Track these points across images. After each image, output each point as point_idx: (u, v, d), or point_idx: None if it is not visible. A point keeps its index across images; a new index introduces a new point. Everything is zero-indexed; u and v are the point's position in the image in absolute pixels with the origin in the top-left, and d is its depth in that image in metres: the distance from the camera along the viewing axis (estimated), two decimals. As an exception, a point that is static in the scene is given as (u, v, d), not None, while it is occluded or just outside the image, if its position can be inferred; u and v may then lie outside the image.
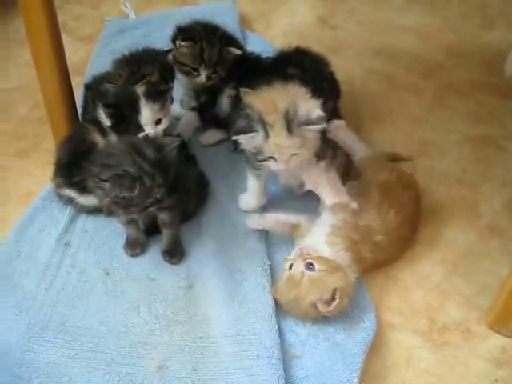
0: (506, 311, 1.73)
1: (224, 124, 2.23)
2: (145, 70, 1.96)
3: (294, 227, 1.90)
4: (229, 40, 2.17)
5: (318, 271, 1.69)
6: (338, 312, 1.69)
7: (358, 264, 1.77)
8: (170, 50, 2.11)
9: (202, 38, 2.14)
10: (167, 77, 2.01)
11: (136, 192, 1.62)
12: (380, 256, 1.84)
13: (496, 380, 1.66)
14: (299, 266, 1.71)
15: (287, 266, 1.75)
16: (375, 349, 1.70)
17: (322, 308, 1.65)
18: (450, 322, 1.79)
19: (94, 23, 2.97)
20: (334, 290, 1.65)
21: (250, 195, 2.01)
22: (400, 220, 1.87)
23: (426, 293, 1.86)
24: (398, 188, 1.93)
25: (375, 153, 2.12)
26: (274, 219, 1.93)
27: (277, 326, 1.69)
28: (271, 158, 1.78)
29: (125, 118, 1.89)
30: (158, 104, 1.91)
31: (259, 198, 2.01)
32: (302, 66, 2.14)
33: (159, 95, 1.92)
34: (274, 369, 1.58)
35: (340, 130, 2.06)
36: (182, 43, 2.14)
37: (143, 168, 1.63)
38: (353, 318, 1.73)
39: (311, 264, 1.70)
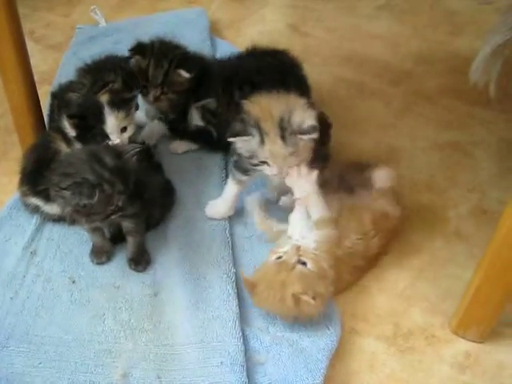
0: (470, 316, 1.74)
1: (193, 136, 2.24)
2: (107, 78, 1.96)
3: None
4: (181, 62, 2.11)
5: (309, 270, 1.70)
6: (307, 316, 1.69)
7: (335, 283, 1.77)
8: (130, 57, 2.12)
9: (152, 56, 2.11)
10: (131, 84, 2.02)
11: (95, 199, 1.61)
12: (354, 279, 1.87)
13: (460, 385, 1.68)
14: (292, 258, 1.71)
15: (274, 257, 1.75)
16: (339, 355, 1.70)
17: (307, 300, 1.64)
18: (415, 328, 1.80)
19: (65, 31, 2.97)
20: (316, 294, 1.65)
21: (222, 202, 2.01)
22: (381, 247, 1.90)
23: (390, 298, 1.87)
24: (389, 220, 1.95)
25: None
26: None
27: (241, 333, 1.69)
28: (264, 162, 1.80)
29: (89, 127, 1.88)
30: (122, 112, 1.91)
31: (230, 207, 2.01)
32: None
33: (123, 103, 1.91)
34: (237, 376, 1.58)
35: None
36: (132, 56, 2.13)
37: (102, 175, 1.63)
38: (317, 325, 1.73)
39: (304, 262, 1.71)
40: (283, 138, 1.74)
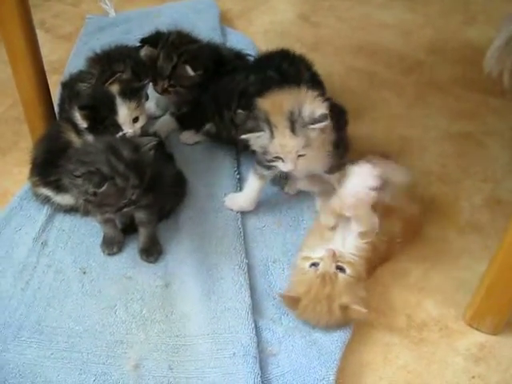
0: (484, 307, 1.72)
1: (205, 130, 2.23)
2: (116, 68, 1.96)
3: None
4: (190, 58, 2.10)
5: (349, 276, 1.69)
6: (353, 319, 1.69)
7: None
8: (141, 46, 2.11)
9: (163, 48, 2.11)
10: (140, 74, 2.01)
11: (103, 189, 1.61)
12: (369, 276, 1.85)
13: (473, 377, 1.66)
14: (331, 266, 1.69)
15: (307, 264, 1.73)
16: (352, 346, 1.69)
17: (357, 309, 1.63)
18: (428, 319, 1.78)
19: (75, 21, 2.96)
20: (360, 299, 1.66)
21: (244, 196, 2.01)
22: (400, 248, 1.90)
23: (404, 290, 1.85)
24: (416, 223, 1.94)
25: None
26: None
27: (253, 324, 1.68)
28: (279, 158, 1.79)
29: (101, 118, 1.87)
30: (133, 102, 1.90)
31: (251, 202, 2.01)
32: (280, 70, 2.14)
33: (134, 93, 1.90)
34: (250, 367, 1.57)
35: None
36: (142, 46, 2.13)
37: (117, 168, 1.62)
38: (330, 316, 1.72)
39: (342, 268, 1.69)
40: (293, 130, 1.73)
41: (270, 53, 2.27)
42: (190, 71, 2.09)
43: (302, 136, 1.74)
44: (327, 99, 1.84)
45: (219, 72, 2.17)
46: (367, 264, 1.76)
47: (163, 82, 2.13)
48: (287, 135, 1.74)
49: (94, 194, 1.64)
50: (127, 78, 1.96)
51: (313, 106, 1.76)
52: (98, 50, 2.09)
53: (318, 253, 1.74)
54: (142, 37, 2.15)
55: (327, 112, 1.75)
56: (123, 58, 2.01)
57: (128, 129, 1.90)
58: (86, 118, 1.87)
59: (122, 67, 1.98)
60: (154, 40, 2.12)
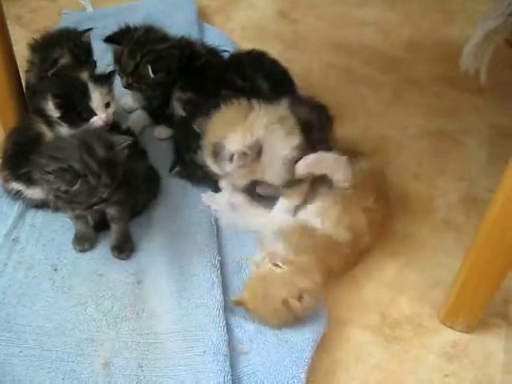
0: (458, 306, 1.72)
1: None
2: (54, 55, 1.96)
3: None
4: (155, 59, 2.08)
5: (286, 271, 1.68)
6: (307, 313, 1.67)
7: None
8: (88, 30, 2.10)
9: (127, 45, 2.10)
10: (80, 55, 2.01)
11: (75, 187, 1.59)
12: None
13: (446, 375, 1.65)
14: (266, 265, 1.70)
15: (254, 268, 1.75)
16: (324, 344, 1.68)
17: (294, 304, 1.62)
18: (402, 317, 1.78)
19: (51, 16, 2.92)
20: (303, 292, 1.63)
21: (222, 195, 2.00)
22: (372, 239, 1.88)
23: (377, 287, 1.84)
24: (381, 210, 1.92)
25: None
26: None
27: (225, 322, 1.66)
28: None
29: (74, 106, 1.87)
30: (105, 87, 1.92)
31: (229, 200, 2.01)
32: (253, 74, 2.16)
33: (105, 78, 1.93)
34: (220, 365, 1.55)
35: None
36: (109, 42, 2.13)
37: (90, 166, 1.60)
38: (302, 314, 1.70)
39: (277, 264, 1.69)
40: (214, 160, 1.82)
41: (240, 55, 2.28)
42: (150, 72, 2.08)
43: (223, 166, 1.82)
44: (309, 100, 1.86)
45: (190, 67, 2.16)
46: (331, 258, 1.77)
47: (127, 78, 2.12)
48: (213, 165, 1.85)
49: (66, 191, 1.62)
50: (67, 62, 1.96)
51: (235, 140, 1.79)
52: (37, 36, 2.09)
53: (258, 257, 1.76)
54: (108, 34, 2.14)
55: (244, 150, 1.78)
56: (61, 41, 2.01)
57: (101, 113, 1.90)
58: (58, 106, 1.87)
59: (59, 53, 1.97)
60: (119, 37, 2.11)
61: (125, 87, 2.15)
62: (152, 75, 2.08)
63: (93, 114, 1.89)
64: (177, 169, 2.05)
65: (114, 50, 2.13)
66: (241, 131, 1.79)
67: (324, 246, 1.77)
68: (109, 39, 2.12)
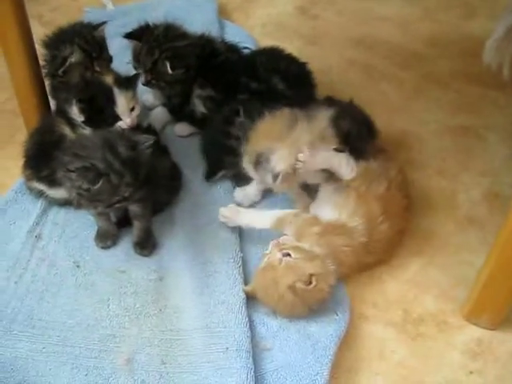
0: (482, 302, 1.70)
1: (198, 121, 2.22)
2: (64, 52, 1.94)
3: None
4: (173, 56, 2.09)
5: (295, 258, 1.68)
6: (317, 300, 1.67)
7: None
8: (101, 24, 2.08)
9: (146, 42, 2.10)
10: (91, 51, 1.99)
11: (97, 186, 1.60)
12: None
13: (471, 372, 1.64)
14: (276, 255, 1.70)
15: (265, 260, 1.74)
16: (347, 341, 1.67)
17: (301, 286, 1.62)
18: (426, 314, 1.76)
19: (72, 14, 2.91)
20: (310, 276, 1.62)
21: (252, 187, 2.01)
22: (392, 232, 1.84)
23: (401, 284, 1.83)
24: (397, 199, 1.89)
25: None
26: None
27: (247, 318, 1.66)
28: None
29: (98, 111, 1.86)
30: (130, 91, 1.91)
31: (260, 192, 2.02)
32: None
33: (130, 82, 1.92)
34: (243, 362, 1.55)
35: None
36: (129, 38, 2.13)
37: (113, 165, 1.61)
38: (325, 310, 1.70)
39: (288, 254, 1.69)
40: (255, 169, 1.84)
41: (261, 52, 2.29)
42: (168, 69, 2.08)
43: (264, 176, 1.84)
44: (354, 111, 1.97)
45: (210, 64, 2.16)
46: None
47: (146, 74, 2.12)
48: (251, 169, 1.88)
49: (88, 189, 1.62)
50: (78, 60, 1.95)
51: (283, 157, 1.80)
52: (49, 33, 2.06)
53: (270, 247, 1.76)
54: (128, 31, 2.14)
55: (290, 171, 1.80)
56: (72, 37, 1.98)
57: (126, 118, 1.90)
58: (83, 111, 1.86)
59: (69, 50, 1.95)
60: (139, 34, 2.12)
61: (143, 84, 2.15)
62: (170, 71, 2.08)
63: (118, 119, 1.89)
64: (222, 173, 2.05)
65: (133, 47, 2.13)
66: (287, 149, 1.80)
67: (336, 233, 1.77)
68: (129, 35, 2.12)
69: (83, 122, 1.88)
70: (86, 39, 2.00)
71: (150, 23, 2.15)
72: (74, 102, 1.87)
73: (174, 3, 2.86)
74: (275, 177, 1.80)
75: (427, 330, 1.73)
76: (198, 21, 2.55)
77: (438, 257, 1.91)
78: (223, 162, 2.01)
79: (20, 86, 2.07)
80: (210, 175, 2.05)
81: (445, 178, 2.16)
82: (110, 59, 2.09)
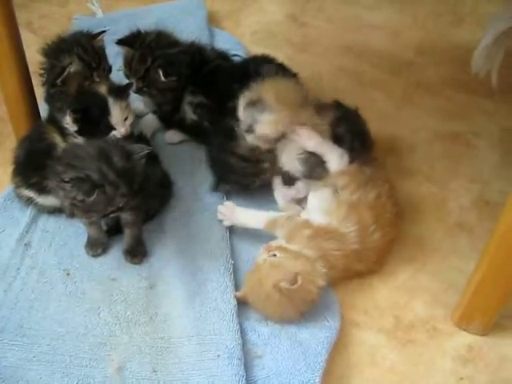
0: (472, 308, 1.71)
1: (188, 128, 2.22)
2: (63, 62, 1.93)
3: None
4: (166, 63, 2.08)
5: (279, 257, 1.69)
6: (305, 301, 1.67)
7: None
8: (100, 33, 2.06)
9: (138, 49, 2.09)
10: (90, 61, 1.98)
11: (92, 198, 1.59)
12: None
13: (462, 378, 1.64)
14: (263, 256, 1.71)
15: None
16: (339, 348, 1.68)
17: (286, 286, 1.62)
18: (416, 320, 1.77)
19: (61, 22, 2.93)
20: (296, 274, 1.62)
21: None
22: (384, 241, 1.85)
23: (391, 291, 1.84)
24: (387, 208, 1.89)
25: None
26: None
27: (238, 326, 1.66)
28: None
29: (92, 121, 1.86)
30: (124, 101, 1.91)
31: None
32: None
33: (123, 92, 1.91)
34: (234, 369, 1.55)
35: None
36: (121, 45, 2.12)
37: (107, 177, 1.60)
38: (316, 317, 1.70)
39: (274, 254, 1.70)
40: (245, 108, 1.92)
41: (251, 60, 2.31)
42: (161, 76, 2.08)
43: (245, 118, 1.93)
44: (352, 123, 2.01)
45: (201, 71, 2.16)
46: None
47: (137, 82, 2.11)
48: (241, 106, 1.95)
49: (82, 200, 1.62)
50: (76, 69, 1.93)
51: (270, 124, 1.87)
52: (48, 41, 2.05)
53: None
54: (120, 38, 2.13)
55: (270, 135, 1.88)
56: (71, 47, 1.96)
57: (121, 128, 1.89)
58: (76, 121, 1.85)
59: (68, 59, 1.94)
60: (131, 40, 2.11)
61: (135, 92, 2.14)
62: (163, 79, 2.08)
63: (112, 128, 1.88)
64: (227, 187, 2.05)
65: (125, 54, 2.12)
66: (285, 116, 1.86)
67: (328, 237, 1.77)
68: (121, 42, 2.11)
69: (76, 131, 1.87)
70: (85, 49, 1.98)
71: (142, 30, 2.15)
72: (67, 111, 1.86)
73: (164, 11, 2.86)
74: (251, 130, 1.84)
75: (418, 336, 1.73)
76: (188, 28, 2.55)
77: (429, 263, 1.92)
78: (227, 178, 2.03)
79: (9, 93, 2.06)
80: (216, 187, 2.05)
81: (435, 185, 2.16)
82: (109, 69, 2.07)
